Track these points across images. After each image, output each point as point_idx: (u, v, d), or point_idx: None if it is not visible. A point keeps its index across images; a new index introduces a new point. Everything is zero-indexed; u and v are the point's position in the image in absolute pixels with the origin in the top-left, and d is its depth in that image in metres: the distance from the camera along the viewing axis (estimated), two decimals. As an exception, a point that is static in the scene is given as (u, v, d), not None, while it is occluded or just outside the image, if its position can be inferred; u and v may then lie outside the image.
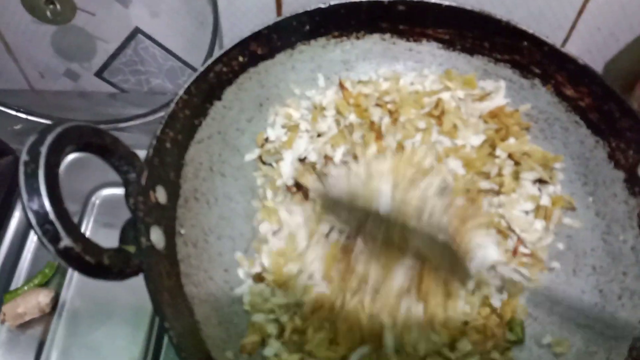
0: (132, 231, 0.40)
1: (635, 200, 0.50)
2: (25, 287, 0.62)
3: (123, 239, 0.41)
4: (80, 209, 0.69)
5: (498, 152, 0.54)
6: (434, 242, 0.49)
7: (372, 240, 0.50)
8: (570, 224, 0.53)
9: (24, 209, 0.33)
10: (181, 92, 0.48)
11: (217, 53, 0.52)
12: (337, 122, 0.57)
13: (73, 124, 0.37)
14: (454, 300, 0.49)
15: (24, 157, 0.34)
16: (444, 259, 0.49)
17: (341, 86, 0.59)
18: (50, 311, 0.61)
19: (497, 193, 0.53)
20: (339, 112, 0.58)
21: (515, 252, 0.51)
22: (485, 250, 0.51)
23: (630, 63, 0.69)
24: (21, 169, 0.34)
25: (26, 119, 0.77)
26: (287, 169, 0.55)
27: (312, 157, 0.55)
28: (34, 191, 0.33)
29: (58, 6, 0.67)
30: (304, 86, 0.60)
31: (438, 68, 0.60)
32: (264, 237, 0.53)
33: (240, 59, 0.54)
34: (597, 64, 0.71)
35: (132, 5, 0.70)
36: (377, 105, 0.57)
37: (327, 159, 0.55)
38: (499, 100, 0.57)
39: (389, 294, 0.48)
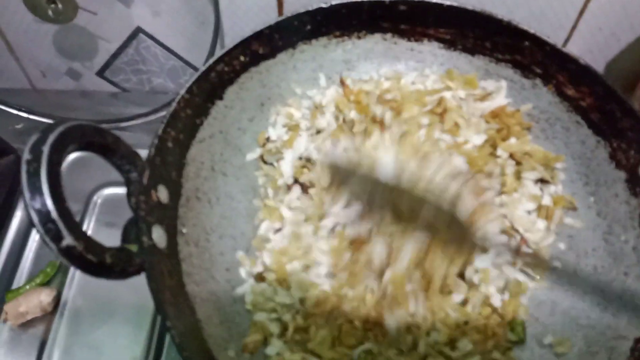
0: (134, 230, 0.40)
1: (637, 200, 0.50)
2: (27, 286, 0.62)
3: (125, 238, 0.41)
4: (82, 208, 0.70)
5: (499, 152, 0.54)
6: (442, 213, 0.49)
7: (381, 214, 0.50)
8: (572, 224, 0.53)
9: (26, 208, 0.33)
10: (183, 92, 0.48)
11: (218, 52, 0.52)
12: (337, 119, 0.57)
13: (75, 123, 0.37)
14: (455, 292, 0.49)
15: (26, 155, 0.34)
16: (452, 231, 0.49)
17: (342, 83, 0.59)
18: (52, 310, 0.61)
19: (500, 193, 0.53)
20: (338, 110, 0.58)
21: (518, 251, 0.51)
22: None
23: (631, 63, 0.69)
24: (23, 167, 0.34)
25: (28, 118, 0.77)
26: (288, 168, 0.55)
27: (313, 156, 0.55)
28: (36, 190, 0.33)
29: (60, 5, 0.68)
30: (306, 86, 0.60)
31: (439, 68, 0.60)
32: (265, 236, 0.53)
33: (242, 58, 0.54)
34: (599, 64, 0.71)
35: (133, 5, 0.70)
36: (379, 103, 0.57)
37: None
38: (500, 100, 0.57)
39: (396, 277, 0.48)
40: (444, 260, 0.49)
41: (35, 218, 0.33)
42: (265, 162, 0.57)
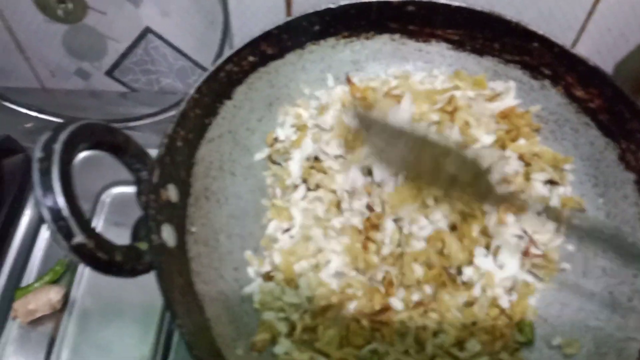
0: (143, 229, 0.40)
1: (646, 201, 0.50)
2: (37, 284, 0.63)
3: (135, 236, 0.41)
4: (90, 208, 0.70)
5: (508, 152, 0.54)
6: (468, 166, 0.49)
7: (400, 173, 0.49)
8: (580, 225, 0.53)
9: (38, 205, 0.34)
10: (192, 91, 0.49)
11: (227, 53, 0.52)
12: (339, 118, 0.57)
13: (86, 122, 0.38)
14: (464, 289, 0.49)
15: (38, 154, 0.34)
16: (476, 187, 0.49)
17: (348, 81, 0.59)
18: (61, 308, 0.62)
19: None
20: (344, 107, 0.58)
21: (527, 252, 0.51)
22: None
23: (640, 64, 0.69)
24: (35, 165, 0.34)
25: (37, 118, 0.77)
26: (296, 168, 0.56)
27: (321, 156, 0.55)
28: (48, 188, 0.34)
29: (70, 5, 0.68)
30: (314, 86, 0.60)
31: (448, 69, 0.60)
32: (274, 236, 0.53)
33: (251, 58, 0.54)
34: (607, 65, 0.70)
35: (142, 5, 0.70)
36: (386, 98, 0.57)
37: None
38: (510, 101, 0.57)
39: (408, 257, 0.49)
40: (460, 249, 0.49)
41: (46, 215, 0.34)
42: (273, 162, 0.57)
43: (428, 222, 0.51)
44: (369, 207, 0.52)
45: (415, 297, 0.49)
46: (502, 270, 0.51)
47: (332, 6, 0.55)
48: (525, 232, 0.52)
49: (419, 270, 0.49)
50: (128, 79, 0.82)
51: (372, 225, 0.51)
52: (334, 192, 0.53)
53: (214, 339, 0.44)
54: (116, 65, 0.79)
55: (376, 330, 0.48)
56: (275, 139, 0.58)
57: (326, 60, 0.60)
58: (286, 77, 0.59)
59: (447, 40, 0.59)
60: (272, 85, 0.58)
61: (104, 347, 0.60)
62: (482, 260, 0.51)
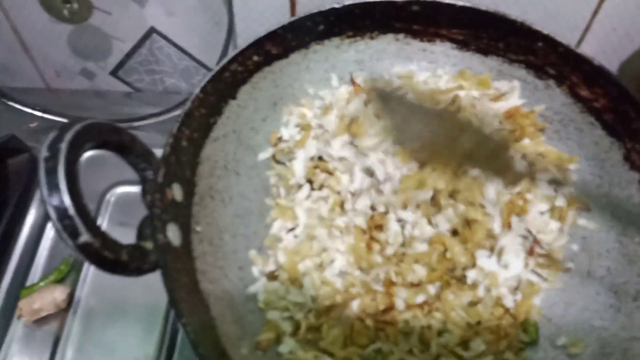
0: (149, 228, 0.40)
1: (652, 201, 0.50)
2: (42, 283, 0.63)
3: (140, 235, 0.41)
4: (95, 207, 0.70)
5: (512, 152, 0.54)
6: (485, 140, 0.48)
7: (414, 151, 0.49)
8: (585, 225, 0.53)
9: (44, 204, 0.34)
10: (197, 91, 0.49)
11: (232, 52, 0.52)
12: (342, 117, 0.57)
13: (92, 122, 0.38)
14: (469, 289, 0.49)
15: (44, 153, 0.34)
16: (493, 162, 0.48)
17: (352, 82, 0.60)
18: (66, 307, 0.62)
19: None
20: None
21: (531, 252, 0.51)
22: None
23: (645, 64, 0.69)
24: (41, 164, 0.34)
25: (42, 118, 0.78)
26: (300, 167, 0.56)
27: (325, 156, 0.55)
28: (54, 187, 0.34)
29: (75, 5, 0.68)
30: (318, 86, 0.60)
31: (452, 68, 0.60)
32: (278, 235, 0.53)
33: (255, 58, 0.54)
34: (612, 65, 0.70)
35: (147, 5, 0.70)
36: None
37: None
38: (514, 100, 0.57)
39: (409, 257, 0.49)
40: (463, 253, 0.49)
41: (52, 214, 0.34)
42: (277, 162, 0.57)
43: (431, 227, 0.51)
44: (372, 207, 0.52)
45: (420, 297, 0.49)
46: (507, 270, 0.51)
47: (337, 6, 0.55)
48: (529, 231, 0.52)
49: (421, 271, 0.49)
50: (132, 79, 0.82)
51: (376, 225, 0.51)
52: (338, 192, 0.53)
53: (218, 337, 0.44)
54: (121, 65, 0.79)
55: (380, 329, 0.48)
56: (280, 139, 0.58)
57: (330, 60, 0.60)
58: (290, 77, 0.59)
59: (452, 40, 0.59)
60: (277, 85, 0.58)
61: (108, 347, 0.60)
62: (486, 261, 0.51)
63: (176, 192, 0.45)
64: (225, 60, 0.51)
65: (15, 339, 0.60)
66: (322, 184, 0.54)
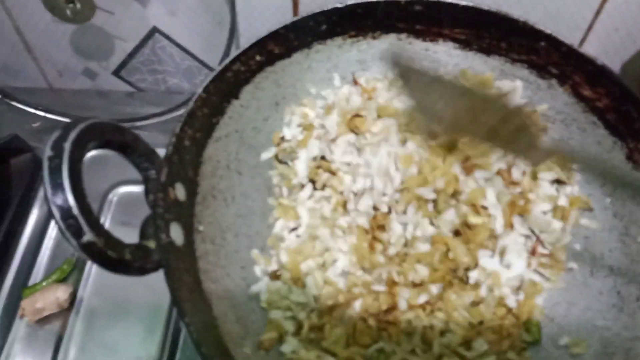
0: (151, 227, 0.40)
1: (654, 201, 0.50)
2: (44, 283, 0.63)
3: (143, 234, 0.41)
4: (97, 207, 0.70)
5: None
6: (509, 119, 0.46)
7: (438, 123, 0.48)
8: (588, 224, 0.53)
9: (47, 204, 0.34)
10: (200, 91, 0.49)
11: (235, 52, 0.52)
12: (344, 117, 0.57)
13: (95, 121, 0.38)
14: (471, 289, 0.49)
15: (48, 152, 0.35)
16: (517, 138, 0.46)
17: (355, 82, 0.60)
18: (69, 307, 0.62)
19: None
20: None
21: (534, 252, 0.51)
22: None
23: (648, 64, 0.69)
24: (45, 164, 0.34)
25: (44, 117, 0.78)
26: (302, 167, 0.56)
27: (327, 155, 0.56)
28: (58, 186, 0.34)
29: (78, 5, 0.68)
30: (320, 85, 0.60)
31: (454, 68, 0.60)
32: (280, 235, 0.53)
33: (258, 58, 0.54)
34: (614, 65, 0.70)
35: (150, 5, 0.70)
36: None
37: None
38: (517, 100, 0.57)
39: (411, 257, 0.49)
40: (465, 253, 0.49)
41: (56, 214, 0.34)
42: (280, 162, 0.57)
43: (433, 227, 0.51)
44: (375, 208, 0.52)
45: (422, 297, 0.49)
46: (509, 269, 0.51)
47: (339, 5, 0.55)
48: (532, 231, 0.52)
49: (423, 271, 0.49)
50: (135, 78, 0.82)
51: (379, 225, 0.51)
52: (340, 192, 0.53)
53: (221, 337, 0.44)
54: (123, 65, 0.80)
55: (383, 329, 0.48)
56: (282, 139, 0.58)
57: (333, 60, 0.60)
58: (293, 77, 0.59)
59: (454, 40, 0.59)
60: (279, 85, 0.58)
61: (111, 346, 0.60)
62: (488, 261, 0.51)
63: (179, 191, 0.45)
64: (227, 60, 0.51)
65: (18, 339, 0.60)
66: (324, 184, 0.54)
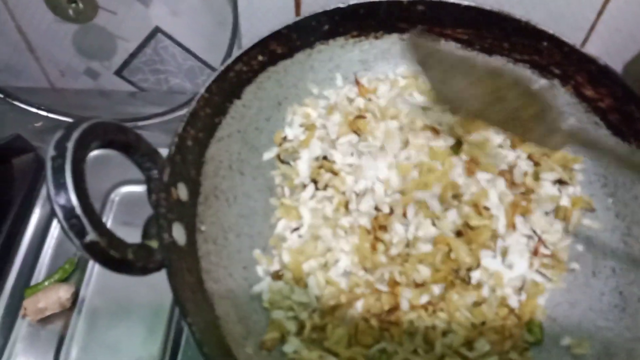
0: (154, 227, 0.41)
1: (657, 202, 0.50)
2: (46, 283, 0.63)
3: (145, 234, 0.41)
4: (100, 207, 0.70)
5: (518, 152, 0.54)
6: (532, 101, 0.44)
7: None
8: (590, 225, 0.53)
9: (50, 203, 0.34)
10: (202, 91, 0.49)
11: (237, 52, 0.52)
12: (346, 116, 0.57)
13: (98, 121, 0.38)
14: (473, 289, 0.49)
15: (51, 152, 0.35)
16: (539, 122, 0.45)
17: (357, 82, 0.60)
18: (71, 306, 0.62)
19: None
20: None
21: (536, 252, 0.51)
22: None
23: (650, 65, 0.68)
24: (48, 163, 0.34)
25: (47, 117, 0.78)
26: (304, 167, 0.56)
27: (329, 155, 0.56)
28: (60, 186, 0.34)
29: (80, 5, 0.68)
30: (322, 86, 0.60)
31: (456, 68, 0.60)
32: (282, 235, 0.53)
33: (260, 58, 0.54)
34: (616, 66, 0.70)
35: (152, 5, 0.70)
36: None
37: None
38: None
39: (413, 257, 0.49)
40: (467, 254, 0.49)
41: (59, 213, 0.34)
42: (282, 162, 0.57)
43: (435, 227, 0.51)
44: (377, 208, 0.52)
45: (424, 297, 0.49)
46: (511, 270, 0.51)
47: (342, 6, 0.55)
48: (534, 231, 0.52)
49: (425, 271, 0.49)
50: (137, 78, 0.82)
51: (380, 225, 0.51)
52: (342, 192, 0.53)
53: (223, 337, 0.44)
54: (125, 64, 0.80)
55: (385, 329, 0.48)
56: (284, 139, 0.58)
57: (335, 60, 0.60)
58: (295, 77, 0.59)
59: (457, 40, 0.59)
60: (281, 85, 0.58)
61: (112, 346, 0.60)
62: (490, 261, 0.51)
63: (181, 191, 0.45)
64: (230, 60, 0.51)
65: (20, 338, 0.60)
66: (326, 184, 0.54)
